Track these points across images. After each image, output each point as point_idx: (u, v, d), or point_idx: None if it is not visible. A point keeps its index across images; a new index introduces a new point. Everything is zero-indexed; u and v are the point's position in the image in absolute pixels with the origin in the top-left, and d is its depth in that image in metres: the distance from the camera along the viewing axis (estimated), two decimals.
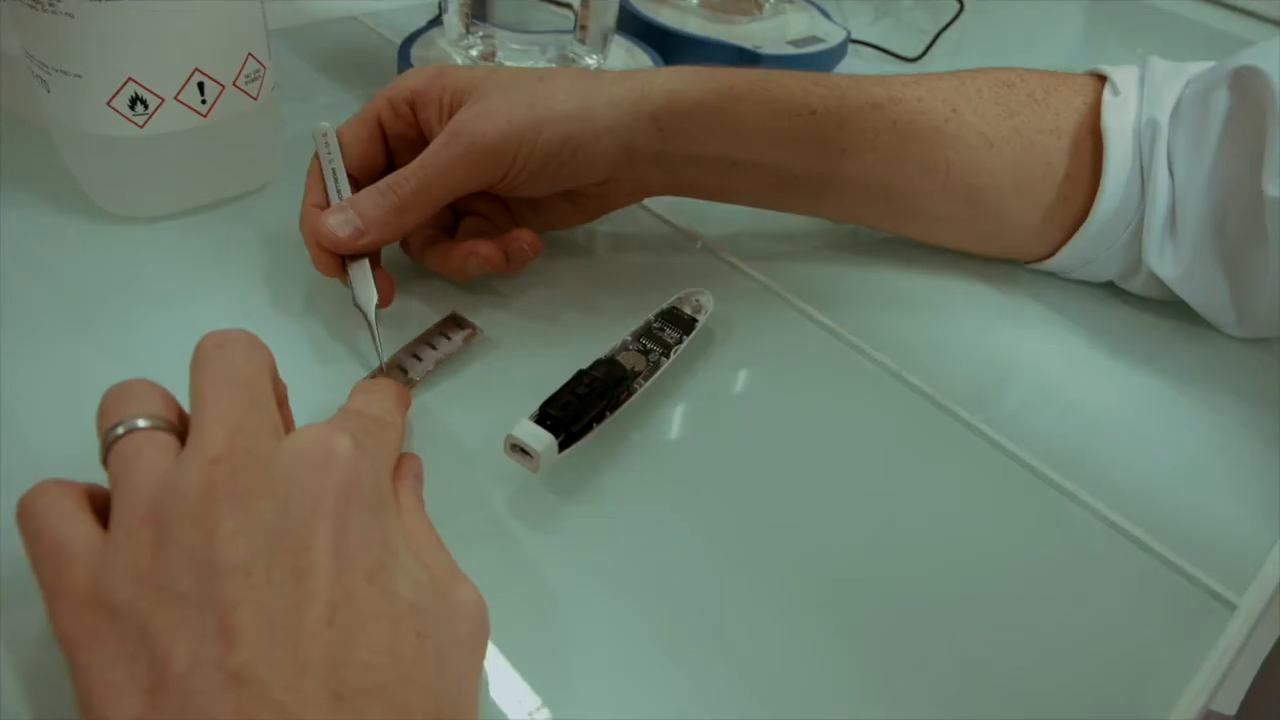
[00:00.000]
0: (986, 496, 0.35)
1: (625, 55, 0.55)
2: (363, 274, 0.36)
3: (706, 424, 0.36)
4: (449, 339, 0.37)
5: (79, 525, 0.23)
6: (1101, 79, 0.44)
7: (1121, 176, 0.41)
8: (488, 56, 0.49)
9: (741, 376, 0.39)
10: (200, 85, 0.39)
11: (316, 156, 0.38)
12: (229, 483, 0.22)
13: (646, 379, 0.35)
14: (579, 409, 0.32)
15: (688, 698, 0.27)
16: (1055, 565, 0.33)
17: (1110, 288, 0.46)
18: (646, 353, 0.36)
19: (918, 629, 0.30)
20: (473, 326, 0.38)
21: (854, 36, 0.66)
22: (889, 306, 0.43)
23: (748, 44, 0.60)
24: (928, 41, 0.71)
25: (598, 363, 0.34)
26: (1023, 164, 0.42)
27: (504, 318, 0.39)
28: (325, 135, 0.38)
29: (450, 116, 0.37)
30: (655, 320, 0.38)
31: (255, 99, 0.41)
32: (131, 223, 0.41)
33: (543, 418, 0.31)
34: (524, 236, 0.38)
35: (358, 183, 0.37)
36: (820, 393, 0.39)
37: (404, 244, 0.40)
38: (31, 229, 0.40)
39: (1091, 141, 0.42)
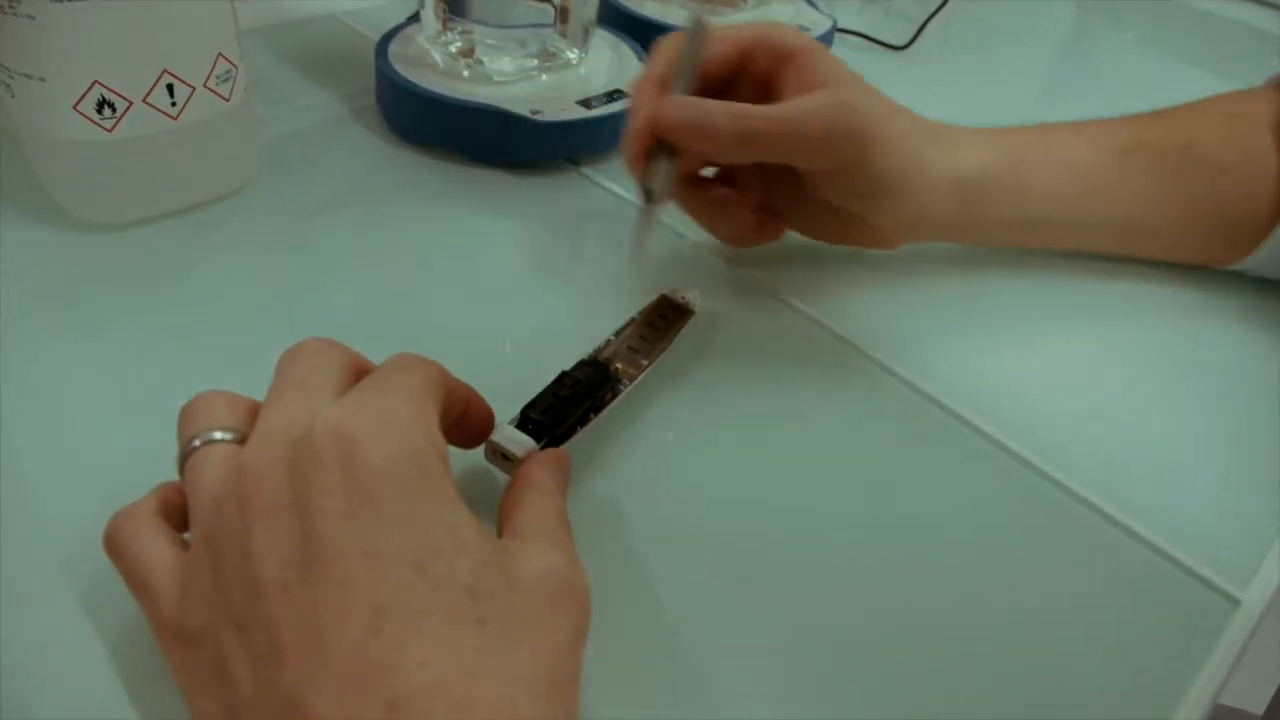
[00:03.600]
0: (984, 494, 0.35)
1: (608, 49, 0.54)
2: (669, 171, 0.33)
3: (694, 424, 0.36)
4: (665, 319, 0.37)
5: (159, 554, 0.23)
6: None
7: None
8: (466, 52, 0.48)
9: (729, 375, 0.38)
10: (169, 87, 0.38)
11: (679, 38, 0.36)
12: (255, 494, 0.22)
13: (631, 379, 0.34)
14: (562, 412, 0.31)
15: (677, 701, 0.27)
16: (1057, 563, 0.32)
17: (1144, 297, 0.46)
18: (632, 352, 0.35)
19: (918, 630, 0.29)
20: (687, 308, 0.38)
21: (841, 26, 0.65)
22: (878, 300, 0.43)
23: None
24: (915, 30, 0.71)
25: (581, 363, 0.33)
26: (1253, 184, 0.44)
27: (489, 318, 0.39)
28: (705, 29, 0.36)
29: (808, 89, 0.36)
30: (640, 318, 0.37)
31: (228, 100, 0.40)
32: (103, 229, 0.40)
33: (524, 422, 0.30)
34: (781, 226, 0.40)
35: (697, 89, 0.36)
36: (810, 390, 0.38)
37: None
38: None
39: None
